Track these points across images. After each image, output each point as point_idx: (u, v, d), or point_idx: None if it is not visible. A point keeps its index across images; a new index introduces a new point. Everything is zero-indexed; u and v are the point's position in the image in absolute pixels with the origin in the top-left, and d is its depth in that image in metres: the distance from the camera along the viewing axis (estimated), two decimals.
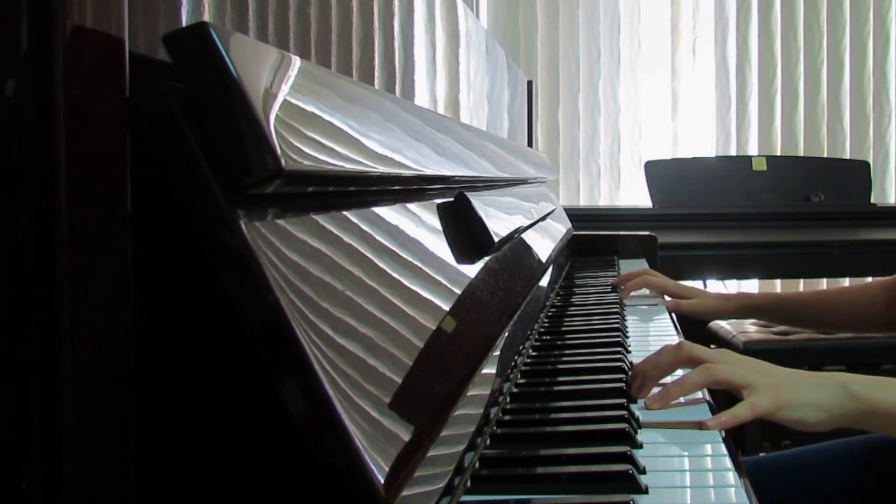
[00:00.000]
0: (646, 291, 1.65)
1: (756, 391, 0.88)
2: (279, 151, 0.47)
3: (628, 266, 2.06)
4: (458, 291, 0.80)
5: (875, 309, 1.47)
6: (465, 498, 0.65)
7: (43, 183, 0.40)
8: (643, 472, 0.70)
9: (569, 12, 3.79)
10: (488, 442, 0.76)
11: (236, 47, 0.48)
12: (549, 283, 1.54)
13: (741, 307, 1.59)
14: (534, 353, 1.11)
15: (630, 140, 3.81)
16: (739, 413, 0.85)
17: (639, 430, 0.81)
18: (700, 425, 0.85)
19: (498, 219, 1.05)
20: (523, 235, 1.30)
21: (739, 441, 2.38)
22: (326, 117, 0.59)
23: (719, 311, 1.61)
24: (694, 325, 2.31)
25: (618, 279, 1.70)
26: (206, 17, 0.60)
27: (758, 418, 0.86)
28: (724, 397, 0.87)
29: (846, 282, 3.54)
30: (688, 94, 3.81)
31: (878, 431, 0.98)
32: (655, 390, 0.93)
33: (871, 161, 3.49)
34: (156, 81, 0.47)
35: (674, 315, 1.48)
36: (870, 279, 3.07)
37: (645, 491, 0.66)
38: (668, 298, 1.62)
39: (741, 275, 3.09)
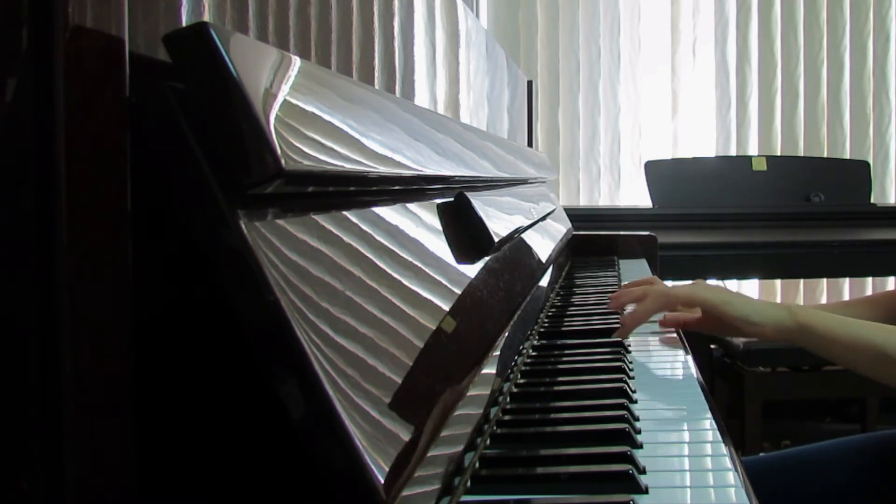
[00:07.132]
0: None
1: (702, 289, 1.15)
2: (279, 151, 0.47)
3: (628, 266, 2.06)
4: (458, 291, 0.80)
5: None
6: (465, 498, 0.65)
7: (43, 183, 0.40)
8: (643, 472, 0.70)
9: (569, 12, 3.78)
10: (488, 442, 0.76)
11: (236, 47, 0.48)
12: (549, 283, 1.54)
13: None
14: (534, 353, 1.11)
15: (630, 140, 3.81)
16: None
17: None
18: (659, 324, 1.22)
19: (498, 219, 1.05)
20: (523, 235, 1.30)
21: (739, 441, 2.38)
22: (326, 117, 0.59)
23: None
24: None
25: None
26: (206, 17, 0.60)
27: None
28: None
29: (846, 282, 3.54)
30: (688, 94, 3.80)
31: (814, 350, 1.10)
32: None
33: (871, 161, 3.48)
34: (156, 81, 0.47)
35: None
36: None
37: (645, 491, 0.66)
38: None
39: (741, 275, 3.09)
